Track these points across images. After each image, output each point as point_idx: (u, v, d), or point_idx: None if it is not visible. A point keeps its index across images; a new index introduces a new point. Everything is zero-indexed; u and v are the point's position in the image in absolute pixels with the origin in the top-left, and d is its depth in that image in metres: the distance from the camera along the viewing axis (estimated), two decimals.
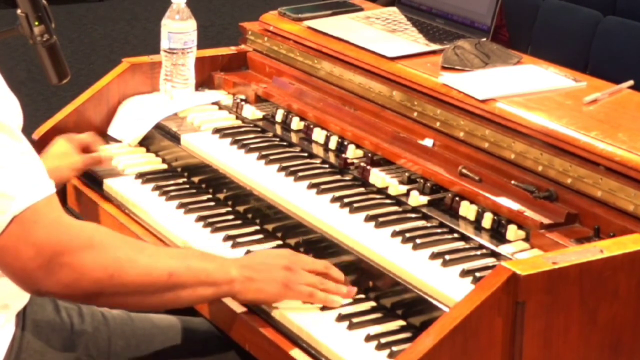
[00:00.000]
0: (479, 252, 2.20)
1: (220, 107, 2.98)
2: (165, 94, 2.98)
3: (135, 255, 2.04)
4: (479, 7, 2.84)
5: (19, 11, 2.27)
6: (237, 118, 2.92)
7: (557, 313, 1.93)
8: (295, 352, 2.06)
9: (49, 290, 2.00)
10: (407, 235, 2.25)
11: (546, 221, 2.20)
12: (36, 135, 2.86)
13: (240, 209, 2.57)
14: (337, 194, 2.45)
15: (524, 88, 2.52)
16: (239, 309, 2.19)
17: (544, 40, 6.09)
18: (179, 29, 2.91)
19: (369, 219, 2.33)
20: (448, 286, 2.07)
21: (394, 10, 3.10)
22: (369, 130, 2.66)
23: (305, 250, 2.34)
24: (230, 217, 2.54)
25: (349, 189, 2.49)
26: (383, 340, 2.03)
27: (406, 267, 2.15)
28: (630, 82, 2.57)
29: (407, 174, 2.47)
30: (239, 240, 2.40)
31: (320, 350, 2.04)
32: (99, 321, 2.25)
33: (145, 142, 2.90)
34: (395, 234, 2.27)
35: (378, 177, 2.48)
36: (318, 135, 2.72)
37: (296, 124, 2.80)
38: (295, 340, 2.08)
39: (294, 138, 2.77)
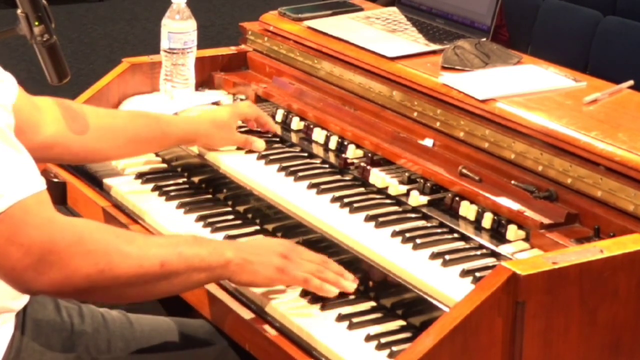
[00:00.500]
0: (479, 252, 2.20)
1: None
2: (165, 94, 2.98)
3: (126, 248, 2.02)
4: (479, 7, 2.84)
5: (19, 11, 2.27)
6: None
7: (557, 313, 1.93)
8: (295, 352, 2.06)
9: (41, 289, 1.99)
10: (407, 235, 2.25)
11: (546, 221, 2.20)
12: None
13: (240, 209, 2.57)
14: (337, 194, 2.45)
15: (524, 88, 2.52)
16: (239, 309, 2.19)
17: (544, 40, 6.10)
18: (179, 29, 2.91)
19: (369, 219, 2.33)
20: (448, 286, 2.07)
21: (394, 10, 3.10)
22: (369, 130, 2.66)
23: None
24: (230, 217, 2.54)
25: (349, 189, 2.49)
26: (383, 340, 2.03)
27: (406, 267, 2.15)
28: (630, 82, 2.57)
29: (407, 174, 2.47)
30: (239, 240, 2.40)
31: (320, 350, 2.04)
32: (98, 322, 2.25)
33: None
34: (395, 234, 2.27)
35: (378, 177, 2.48)
36: (318, 135, 2.72)
37: (296, 124, 2.80)
38: (295, 340, 2.08)
39: (294, 138, 2.77)
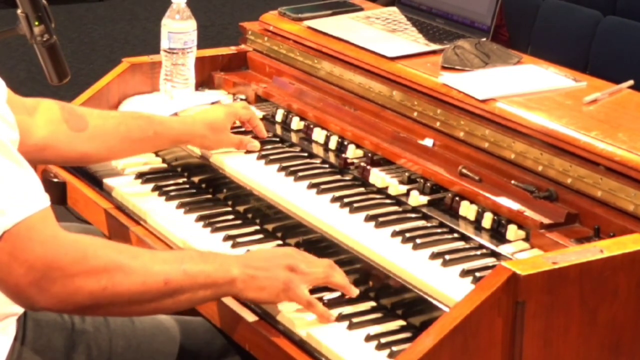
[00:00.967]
0: (479, 252, 2.20)
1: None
2: (165, 94, 2.98)
3: (129, 265, 2.01)
4: (479, 7, 2.84)
5: (19, 11, 2.27)
6: None
7: (557, 313, 1.93)
8: (295, 352, 2.06)
9: (43, 306, 1.98)
10: (407, 235, 2.25)
11: (546, 221, 2.20)
12: None
13: (240, 209, 2.57)
14: (337, 194, 2.45)
15: (524, 88, 2.52)
16: (239, 309, 2.19)
17: (544, 40, 6.09)
18: (179, 29, 2.91)
19: (369, 218, 2.33)
20: (448, 286, 2.07)
21: (394, 10, 3.10)
22: (369, 130, 2.66)
23: (305, 250, 2.34)
24: (230, 217, 2.54)
25: (349, 189, 2.49)
26: (383, 340, 2.03)
27: (406, 267, 2.15)
28: (630, 82, 2.57)
29: (407, 174, 2.47)
30: (239, 240, 2.40)
31: (320, 350, 2.04)
32: (99, 322, 2.25)
33: None
34: (395, 234, 2.27)
35: (378, 177, 2.48)
36: (318, 135, 2.72)
37: (296, 123, 2.80)
38: (295, 340, 2.08)
39: (294, 138, 2.77)
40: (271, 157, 2.64)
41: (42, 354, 2.15)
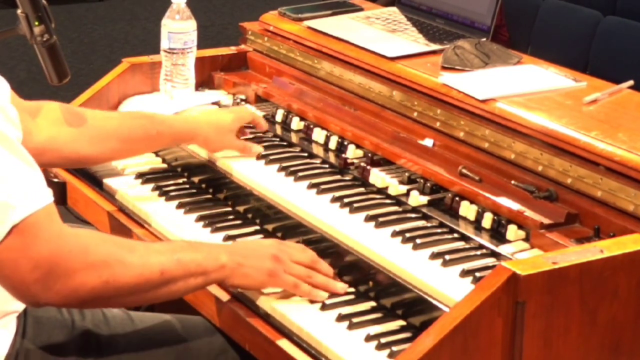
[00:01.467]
0: (479, 252, 2.20)
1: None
2: (165, 94, 2.98)
3: (128, 258, 2.04)
4: (479, 7, 2.84)
5: (19, 11, 2.27)
6: None
7: (557, 313, 1.93)
8: (295, 352, 2.06)
9: (47, 302, 2.00)
10: (407, 235, 2.25)
11: (546, 221, 2.20)
12: None
13: (240, 209, 2.57)
14: (337, 194, 2.45)
15: (524, 88, 2.52)
16: (239, 309, 2.19)
17: (544, 40, 6.09)
18: (179, 29, 2.91)
19: (369, 219, 2.33)
20: (448, 286, 2.07)
21: (394, 10, 3.10)
22: (369, 130, 2.66)
23: None
24: (230, 217, 2.54)
25: (349, 189, 2.49)
26: (383, 340, 2.03)
27: (406, 267, 2.15)
28: (630, 82, 2.57)
29: (407, 174, 2.47)
30: (239, 240, 2.40)
31: (320, 350, 2.04)
32: (99, 319, 2.26)
33: None
34: (395, 234, 2.27)
35: (378, 177, 2.48)
36: (318, 135, 2.72)
37: (296, 124, 2.80)
38: (295, 340, 2.08)
39: (294, 138, 2.77)
40: (271, 157, 2.64)
41: (42, 350, 2.16)
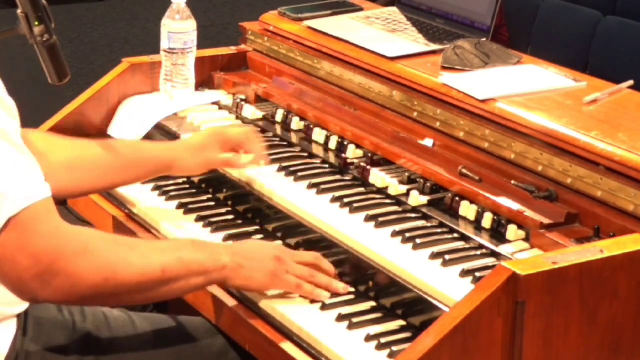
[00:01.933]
0: (479, 252, 2.20)
1: (220, 107, 2.98)
2: (165, 94, 2.98)
3: (129, 256, 2.04)
4: (479, 7, 2.84)
5: (19, 11, 2.26)
6: (237, 118, 2.92)
7: (557, 313, 1.93)
8: (296, 352, 2.06)
9: (46, 298, 1.99)
10: (407, 235, 2.25)
11: (546, 221, 2.20)
12: None
13: (240, 209, 2.57)
14: (337, 194, 2.45)
15: (524, 88, 2.52)
16: (239, 309, 2.19)
17: (544, 40, 6.09)
18: (179, 29, 2.91)
19: (369, 219, 2.33)
20: (448, 286, 2.07)
21: (394, 10, 3.10)
22: (369, 130, 2.66)
23: (305, 250, 2.34)
24: (230, 217, 2.54)
25: (349, 189, 2.49)
26: (383, 340, 2.03)
27: (406, 267, 2.15)
28: (630, 82, 2.57)
29: (407, 174, 2.47)
30: (242, 241, 2.40)
31: (321, 350, 2.04)
32: (100, 320, 2.26)
33: None
34: (395, 234, 2.27)
35: (378, 177, 2.48)
36: (318, 135, 2.72)
37: (296, 124, 2.80)
38: (296, 340, 2.08)
39: (294, 138, 2.77)
40: (271, 157, 2.64)
41: (43, 351, 2.16)
